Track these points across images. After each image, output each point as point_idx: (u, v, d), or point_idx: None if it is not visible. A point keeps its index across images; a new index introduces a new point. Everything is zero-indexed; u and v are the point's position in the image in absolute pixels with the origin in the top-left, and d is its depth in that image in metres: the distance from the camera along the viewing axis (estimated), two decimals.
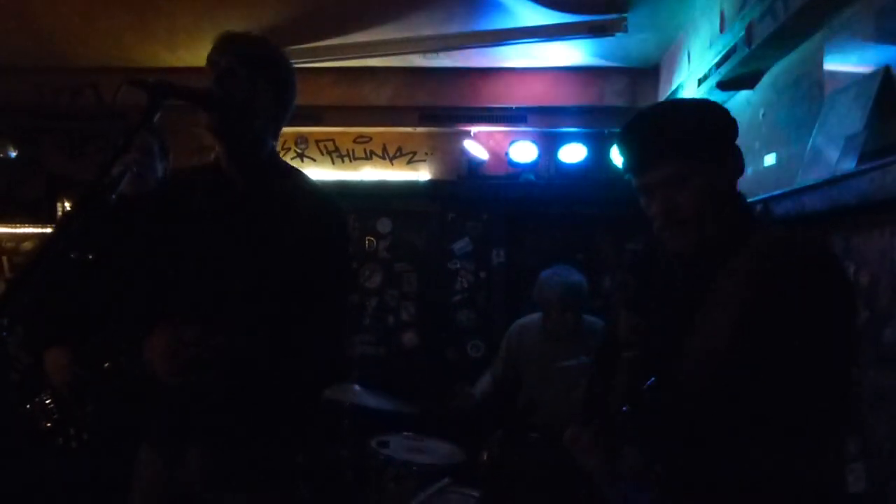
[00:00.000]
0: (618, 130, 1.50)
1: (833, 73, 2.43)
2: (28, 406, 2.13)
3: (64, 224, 2.43)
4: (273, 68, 1.74)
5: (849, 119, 2.16)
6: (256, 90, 1.68)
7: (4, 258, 4.84)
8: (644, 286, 1.64)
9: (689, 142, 1.39)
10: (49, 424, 2.10)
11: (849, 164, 2.03)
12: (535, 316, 3.60)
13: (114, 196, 2.23)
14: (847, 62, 2.35)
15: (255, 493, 1.65)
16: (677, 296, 1.51)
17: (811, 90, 2.63)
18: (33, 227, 4.75)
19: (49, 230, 4.67)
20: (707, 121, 1.44)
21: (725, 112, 1.47)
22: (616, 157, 1.42)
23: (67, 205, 4.71)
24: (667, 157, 1.39)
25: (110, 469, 2.09)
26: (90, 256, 2.24)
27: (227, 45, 1.69)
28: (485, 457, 3.21)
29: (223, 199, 1.76)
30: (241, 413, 1.65)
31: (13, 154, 4.63)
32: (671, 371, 1.42)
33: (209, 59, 1.70)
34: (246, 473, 1.65)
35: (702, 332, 1.38)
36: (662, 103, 1.52)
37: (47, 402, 2.13)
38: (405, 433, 3.53)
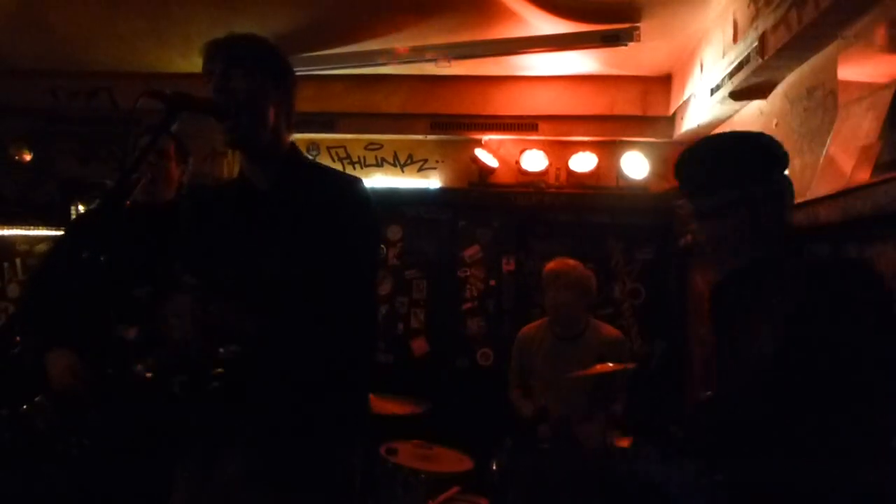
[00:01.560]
0: (684, 153, 1.58)
1: (847, 84, 2.42)
2: (25, 407, 2.08)
3: (78, 227, 2.46)
4: (266, 59, 1.73)
5: (862, 130, 2.15)
6: (257, 85, 1.68)
7: (18, 260, 4.89)
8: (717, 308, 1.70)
9: (741, 174, 1.47)
10: (46, 428, 2.07)
11: (863, 175, 2.02)
12: (539, 321, 3.60)
13: (128, 202, 2.26)
14: (861, 73, 2.35)
15: (291, 494, 1.63)
16: (732, 318, 1.58)
17: (825, 100, 2.63)
18: (47, 229, 4.79)
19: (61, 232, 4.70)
20: (758, 153, 1.51)
21: (778, 146, 1.54)
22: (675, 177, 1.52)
23: (81, 208, 4.74)
24: (719, 188, 1.48)
25: (112, 477, 2.07)
26: (101, 258, 2.23)
27: (216, 52, 1.70)
28: (494, 465, 3.20)
29: (248, 205, 1.76)
30: (277, 413, 1.64)
31: (28, 157, 4.67)
32: (722, 387, 1.53)
33: (204, 69, 1.70)
34: (282, 474, 1.63)
35: (746, 353, 1.45)
36: (724, 134, 1.60)
37: (45, 404, 2.09)
38: (414, 441, 3.52)
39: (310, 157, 1.95)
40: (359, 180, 1.80)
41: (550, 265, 3.48)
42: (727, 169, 1.48)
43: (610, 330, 3.53)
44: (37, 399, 2.07)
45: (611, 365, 2.99)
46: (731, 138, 1.60)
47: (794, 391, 1.32)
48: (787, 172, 1.55)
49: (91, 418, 2.09)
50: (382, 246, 4.73)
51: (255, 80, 1.67)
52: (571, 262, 3.48)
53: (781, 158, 1.53)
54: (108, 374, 2.07)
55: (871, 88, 2.22)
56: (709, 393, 1.65)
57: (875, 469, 1.31)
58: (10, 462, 2.12)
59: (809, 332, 1.32)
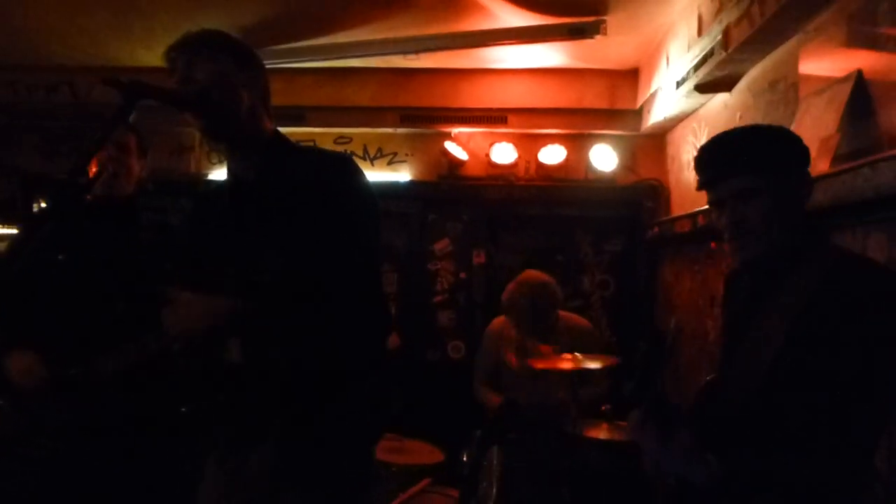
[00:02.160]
0: (704, 147, 1.58)
1: (808, 77, 2.47)
2: None
3: (36, 223, 2.39)
4: (226, 45, 1.70)
5: (822, 122, 2.20)
6: (221, 69, 1.65)
7: None
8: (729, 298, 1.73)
9: (759, 159, 1.49)
10: (8, 431, 2.03)
11: (822, 167, 2.06)
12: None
13: (88, 196, 2.22)
14: (821, 66, 2.39)
15: (315, 491, 1.61)
16: (744, 308, 1.59)
17: (786, 93, 2.68)
18: (7, 227, 4.68)
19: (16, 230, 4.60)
20: (777, 142, 1.53)
21: (797, 139, 1.55)
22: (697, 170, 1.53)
23: (42, 204, 4.64)
24: (738, 173, 1.49)
25: (81, 479, 2.05)
26: (60, 256, 2.19)
27: (176, 49, 1.66)
28: (465, 457, 3.22)
29: (237, 198, 1.74)
30: (298, 409, 1.62)
31: None
32: (723, 373, 1.54)
33: (168, 67, 1.67)
34: (306, 470, 1.62)
35: (751, 342, 1.46)
36: (740, 127, 1.62)
37: (4, 408, 2.04)
38: (385, 434, 3.52)
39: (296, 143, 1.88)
40: (344, 160, 1.77)
41: (519, 288, 3.44)
42: (747, 156, 1.49)
43: (579, 320, 3.56)
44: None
45: (594, 365, 2.98)
46: (752, 129, 1.61)
47: (792, 387, 1.34)
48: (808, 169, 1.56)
49: (54, 419, 2.05)
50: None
51: (217, 64, 1.64)
52: (538, 279, 3.46)
53: (802, 151, 1.53)
54: (71, 373, 2.04)
55: (830, 81, 2.27)
56: (710, 377, 1.66)
57: (863, 471, 1.34)
58: None
59: (816, 328, 1.33)
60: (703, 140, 3.40)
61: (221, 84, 1.64)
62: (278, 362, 1.65)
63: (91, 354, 2.06)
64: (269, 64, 1.79)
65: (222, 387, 1.75)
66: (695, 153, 1.62)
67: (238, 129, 1.69)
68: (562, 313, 3.54)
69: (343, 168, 1.73)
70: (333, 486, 1.63)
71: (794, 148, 1.53)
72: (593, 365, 2.93)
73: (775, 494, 1.33)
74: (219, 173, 4.85)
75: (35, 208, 4.61)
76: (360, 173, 1.74)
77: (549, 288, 3.43)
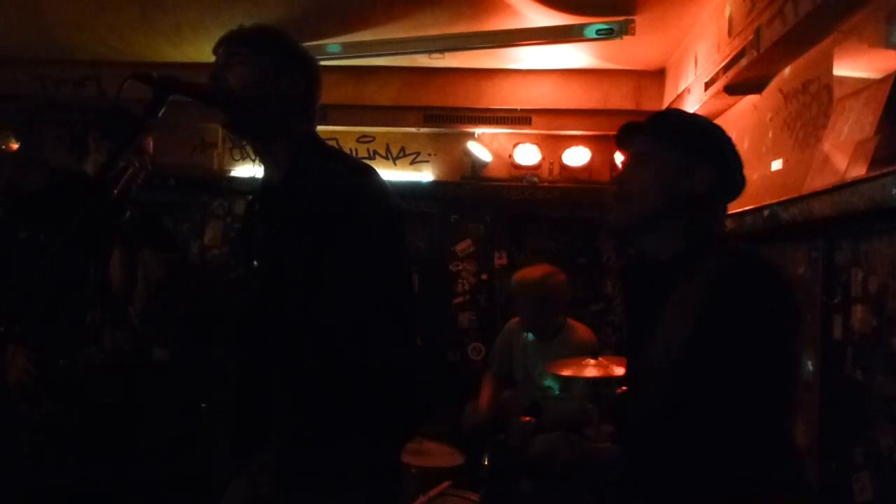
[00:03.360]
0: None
1: (842, 79, 2.41)
2: None
3: (25, 208, 2.37)
4: (269, 44, 1.67)
5: (859, 124, 2.14)
6: (256, 70, 1.62)
7: None
8: (629, 293, 1.72)
9: (663, 127, 1.49)
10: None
11: (859, 171, 2.01)
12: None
13: (116, 191, 2.21)
14: (857, 67, 2.33)
15: (326, 496, 1.59)
16: (643, 308, 1.56)
17: (820, 95, 2.61)
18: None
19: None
20: (692, 123, 1.54)
21: (718, 130, 1.52)
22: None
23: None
24: (642, 134, 1.50)
25: (69, 475, 2.02)
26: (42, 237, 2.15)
27: (220, 43, 1.66)
28: (485, 460, 3.19)
29: (266, 199, 1.72)
30: (309, 414, 1.60)
31: (15, 146, 4.62)
32: (632, 379, 1.54)
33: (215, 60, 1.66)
34: (317, 475, 1.59)
35: (656, 344, 1.43)
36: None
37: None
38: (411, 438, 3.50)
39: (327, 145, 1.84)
40: (359, 172, 1.69)
41: (516, 277, 3.44)
42: (662, 126, 1.50)
43: (585, 332, 3.49)
44: None
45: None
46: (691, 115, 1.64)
47: (691, 390, 1.32)
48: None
49: (38, 414, 2.02)
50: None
51: (252, 65, 1.61)
52: (537, 272, 3.41)
53: (707, 134, 1.51)
54: (60, 364, 2.02)
55: (866, 83, 2.21)
56: (622, 388, 1.65)
57: (770, 470, 1.31)
58: None
59: (712, 327, 1.31)
60: None
61: (252, 85, 1.61)
62: (297, 363, 1.63)
63: (77, 347, 2.04)
64: None
65: (234, 384, 1.74)
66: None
67: (263, 130, 1.67)
68: (571, 322, 3.48)
69: (348, 183, 1.65)
70: (356, 489, 1.60)
71: (708, 134, 1.51)
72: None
73: (688, 494, 1.32)
74: (241, 170, 4.87)
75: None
76: (366, 189, 1.66)
77: (546, 284, 3.36)
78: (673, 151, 1.46)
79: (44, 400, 2.02)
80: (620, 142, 1.57)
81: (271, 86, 1.64)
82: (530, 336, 3.45)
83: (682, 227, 1.46)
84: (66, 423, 2.04)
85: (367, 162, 4.88)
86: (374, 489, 1.64)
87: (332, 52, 3.96)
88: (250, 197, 1.91)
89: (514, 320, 3.63)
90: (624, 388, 1.68)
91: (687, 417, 1.33)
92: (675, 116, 1.55)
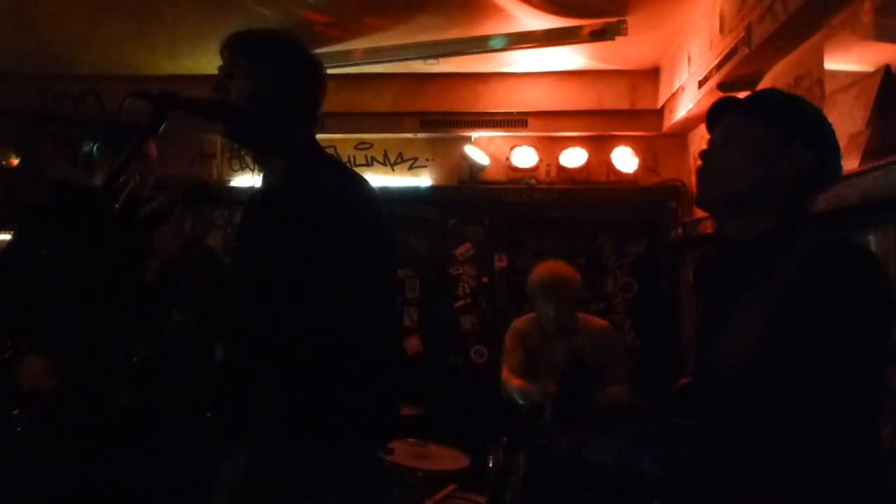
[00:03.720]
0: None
1: (834, 73, 2.43)
2: (15, 414, 2.05)
3: (35, 223, 2.41)
4: (272, 55, 1.67)
5: (850, 118, 2.16)
6: (258, 82, 1.62)
7: None
8: (701, 285, 1.64)
9: (761, 105, 1.44)
10: (34, 434, 2.05)
11: (852, 164, 2.03)
12: (530, 315, 3.59)
13: (117, 205, 2.24)
14: (848, 61, 2.35)
15: (320, 495, 1.60)
16: (721, 297, 1.49)
17: (812, 90, 2.63)
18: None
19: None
20: (791, 102, 1.47)
21: (818, 112, 1.47)
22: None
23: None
24: (735, 111, 1.45)
25: (101, 476, 2.05)
26: (63, 252, 2.19)
27: (224, 47, 1.66)
28: (490, 462, 3.20)
29: (262, 206, 1.73)
30: (301, 415, 1.61)
31: (15, 161, 4.64)
32: (704, 370, 1.45)
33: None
34: (310, 475, 1.61)
35: (734, 332, 1.37)
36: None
37: (29, 411, 2.05)
38: (409, 439, 3.52)
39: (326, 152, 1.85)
40: (347, 180, 1.70)
41: (539, 274, 3.42)
42: (753, 104, 1.45)
43: (599, 321, 3.52)
44: (15, 412, 2.05)
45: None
46: (779, 92, 1.55)
47: (775, 378, 1.26)
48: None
49: (70, 420, 2.06)
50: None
51: (254, 81, 1.62)
52: (559, 269, 3.42)
53: (804, 114, 1.46)
54: (89, 374, 2.06)
55: (857, 77, 2.23)
56: (684, 381, 1.59)
57: (859, 466, 1.26)
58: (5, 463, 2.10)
59: (798, 316, 1.25)
60: None
61: (252, 98, 1.62)
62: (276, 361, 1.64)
63: (102, 355, 2.08)
64: None
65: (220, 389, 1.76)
66: None
67: (263, 141, 1.69)
68: (580, 315, 3.50)
69: (335, 192, 1.64)
70: (338, 490, 1.62)
71: (804, 114, 1.45)
72: None
73: (767, 493, 1.26)
74: (240, 180, 4.89)
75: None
76: (352, 199, 1.66)
77: (573, 278, 3.40)
78: (769, 130, 1.41)
79: (76, 407, 2.06)
80: (713, 116, 1.51)
81: (273, 98, 1.65)
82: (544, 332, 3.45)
83: (770, 208, 1.40)
84: (98, 429, 2.09)
85: (366, 168, 4.95)
86: (353, 490, 1.64)
87: (330, 60, 3.99)
88: (248, 199, 1.93)
89: (520, 321, 3.63)
90: (686, 380, 1.61)
91: (771, 405, 1.25)
92: (775, 95, 1.49)
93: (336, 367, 1.61)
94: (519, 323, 3.65)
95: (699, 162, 1.48)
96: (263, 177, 1.77)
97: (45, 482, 2.01)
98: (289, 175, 1.69)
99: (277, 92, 1.65)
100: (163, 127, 1.48)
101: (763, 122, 1.41)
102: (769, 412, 1.26)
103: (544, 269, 3.47)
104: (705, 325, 1.57)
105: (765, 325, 1.28)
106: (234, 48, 1.65)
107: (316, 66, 1.76)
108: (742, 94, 3.25)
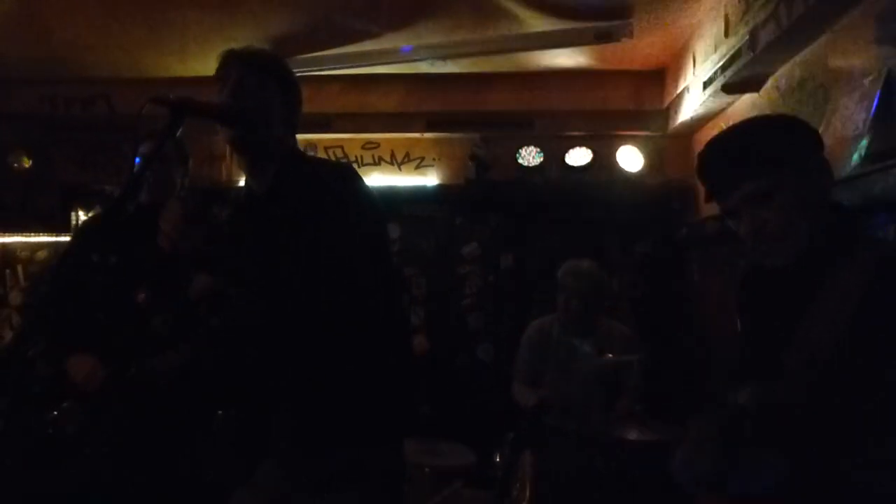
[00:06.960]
0: (702, 152, 1.47)
1: (836, 76, 2.46)
2: (55, 413, 2.14)
3: (84, 232, 2.51)
4: (278, 71, 1.78)
5: (852, 121, 2.19)
6: (268, 96, 1.72)
7: (19, 267, 4.91)
8: (751, 297, 1.63)
9: (769, 156, 1.37)
10: (75, 430, 2.12)
11: (853, 166, 2.06)
12: (551, 315, 3.61)
13: (131, 205, 2.31)
14: (850, 65, 2.38)
15: (344, 494, 1.64)
16: (778, 307, 1.48)
17: (816, 93, 2.66)
18: (47, 236, 4.81)
19: (63, 239, 4.73)
20: (784, 133, 1.42)
21: (804, 124, 1.45)
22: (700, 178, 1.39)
23: (81, 214, 4.77)
24: (747, 177, 1.38)
25: (141, 474, 2.14)
26: (112, 259, 2.28)
27: (232, 59, 1.74)
28: (497, 458, 3.23)
29: (249, 210, 1.80)
30: (322, 415, 1.66)
31: (27, 164, 4.69)
32: (770, 382, 1.42)
33: (217, 75, 1.74)
34: (334, 475, 1.65)
35: (803, 344, 1.36)
36: (738, 124, 1.51)
37: (73, 409, 2.14)
38: (417, 436, 3.55)
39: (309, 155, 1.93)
40: (338, 171, 1.79)
41: (569, 263, 3.48)
42: (755, 155, 1.37)
43: (621, 327, 3.54)
44: (64, 405, 2.13)
45: (611, 355, 3.01)
46: (753, 124, 1.50)
47: (851, 384, 1.27)
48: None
49: (118, 417, 2.14)
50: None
51: (266, 89, 1.72)
52: (588, 264, 3.47)
53: (812, 137, 1.43)
54: (131, 372, 2.14)
55: (859, 80, 2.26)
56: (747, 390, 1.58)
57: None
58: (31, 464, 2.17)
59: (876, 322, 1.25)
60: None
61: (265, 110, 1.71)
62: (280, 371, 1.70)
63: (139, 357, 2.15)
64: (297, 72, 1.86)
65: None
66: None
67: (263, 145, 1.75)
68: (604, 318, 3.52)
69: (327, 184, 1.71)
70: (361, 487, 1.65)
71: (802, 135, 1.42)
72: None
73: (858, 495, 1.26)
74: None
75: (74, 218, 4.75)
76: (356, 180, 1.74)
77: (592, 276, 3.43)
78: (788, 174, 1.37)
79: (117, 404, 2.15)
80: (721, 196, 1.44)
81: (276, 107, 1.75)
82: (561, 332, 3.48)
83: (818, 227, 1.38)
84: (141, 426, 2.17)
85: (373, 168, 4.96)
86: (377, 489, 1.68)
87: (336, 62, 4.04)
88: (236, 201, 1.99)
89: (541, 322, 3.64)
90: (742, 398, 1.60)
91: (859, 404, 1.26)
92: (756, 142, 1.41)
93: (351, 347, 1.65)
94: (537, 323, 3.66)
95: (752, 243, 1.42)
96: (254, 180, 1.82)
97: (82, 476, 2.09)
98: (281, 175, 1.76)
99: (280, 102, 1.76)
100: (179, 132, 1.53)
101: (788, 170, 1.37)
102: (858, 412, 1.27)
103: (574, 260, 3.51)
104: (757, 335, 1.56)
105: (847, 334, 1.28)
106: (245, 61, 1.73)
107: (297, 81, 1.86)
108: (746, 96, 3.28)
